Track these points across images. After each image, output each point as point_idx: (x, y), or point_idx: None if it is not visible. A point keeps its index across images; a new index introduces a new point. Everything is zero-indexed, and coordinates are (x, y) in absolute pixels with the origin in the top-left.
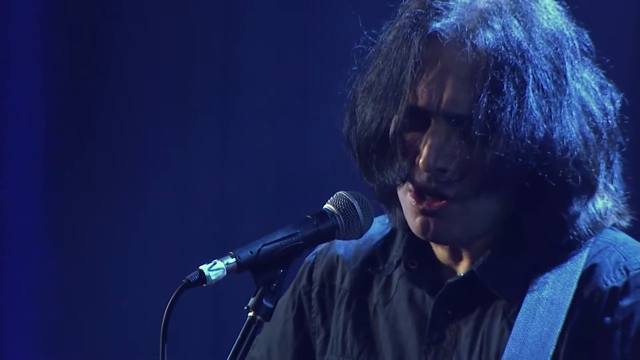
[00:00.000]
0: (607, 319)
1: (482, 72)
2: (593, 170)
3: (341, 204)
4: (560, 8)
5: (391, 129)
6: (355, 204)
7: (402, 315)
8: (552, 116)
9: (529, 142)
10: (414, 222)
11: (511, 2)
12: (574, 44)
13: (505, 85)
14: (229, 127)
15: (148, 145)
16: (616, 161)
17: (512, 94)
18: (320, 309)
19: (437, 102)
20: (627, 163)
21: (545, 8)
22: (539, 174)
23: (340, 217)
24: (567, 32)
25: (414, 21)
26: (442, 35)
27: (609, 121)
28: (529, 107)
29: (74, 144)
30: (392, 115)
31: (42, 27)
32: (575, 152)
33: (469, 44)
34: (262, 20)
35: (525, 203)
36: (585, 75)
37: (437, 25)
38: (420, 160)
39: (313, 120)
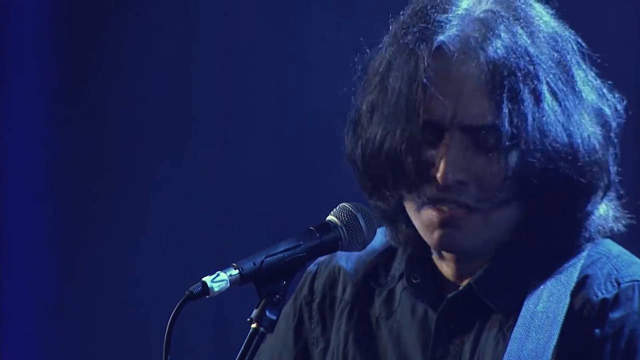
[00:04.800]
0: (597, 331)
1: (498, 81)
2: (610, 169)
3: (344, 216)
4: (550, 12)
5: (404, 145)
6: (359, 215)
7: (405, 329)
8: (571, 120)
9: (552, 148)
10: (432, 236)
11: (508, 9)
12: (574, 47)
13: (522, 92)
14: (230, 138)
15: (150, 153)
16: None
17: (531, 100)
18: (321, 319)
19: (452, 115)
20: (623, 165)
21: (540, 12)
22: (565, 179)
23: (343, 229)
24: (565, 35)
25: (418, 35)
26: (449, 47)
27: (619, 120)
28: (547, 112)
29: (75, 152)
30: (402, 131)
31: (43, 34)
32: (597, 155)
33: (482, 54)
34: (263, 25)
35: (543, 208)
36: (590, 77)
37: (442, 37)
38: (438, 175)
39: (316, 126)
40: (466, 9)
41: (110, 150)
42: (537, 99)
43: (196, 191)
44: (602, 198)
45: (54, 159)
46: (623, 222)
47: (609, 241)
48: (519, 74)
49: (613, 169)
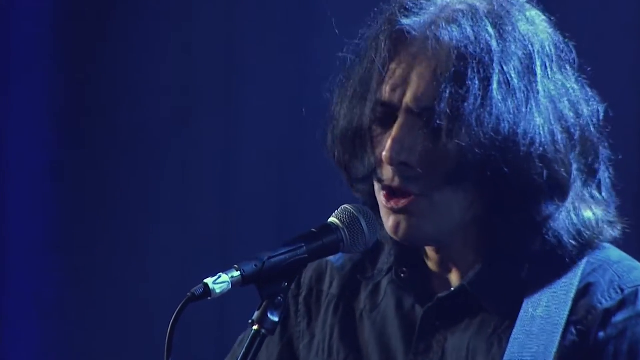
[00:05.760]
0: (601, 334)
1: (444, 64)
2: (563, 169)
3: (346, 218)
4: (544, 17)
5: (360, 126)
6: (361, 217)
7: (389, 322)
8: (518, 111)
9: (492, 133)
10: (388, 223)
11: (488, 6)
12: (551, 50)
13: (469, 77)
14: (231, 139)
15: (151, 154)
16: (603, 170)
17: (476, 85)
18: (307, 313)
19: (401, 96)
20: (616, 174)
21: (524, 14)
22: (503, 167)
23: (345, 230)
24: (543, 37)
25: (384, 20)
26: (409, 30)
27: (582, 123)
28: (493, 100)
29: (76, 154)
30: (362, 112)
31: (45, 36)
32: (542, 149)
33: (431, 36)
34: (264, 23)
35: (493, 200)
36: (560, 78)
37: (406, 21)
38: (383, 153)
39: (317, 126)
40: (447, 1)
41: (111, 152)
42: (486, 87)
43: (198, 192)
44: (561, 198)
45: (55, 160)
46: (618, 227)
47: (607, 246)
48: (470, 60)
49: (574, 170)
